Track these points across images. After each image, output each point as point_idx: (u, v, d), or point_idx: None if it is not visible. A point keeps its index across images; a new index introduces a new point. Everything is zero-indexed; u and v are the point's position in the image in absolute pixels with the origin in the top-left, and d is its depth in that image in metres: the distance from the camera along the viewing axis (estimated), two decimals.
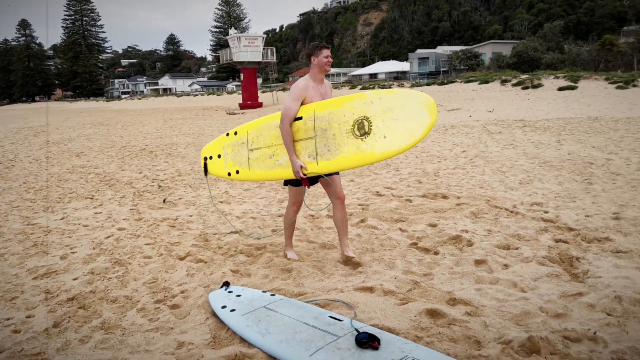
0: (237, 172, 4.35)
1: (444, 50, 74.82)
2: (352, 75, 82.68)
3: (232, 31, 40.67)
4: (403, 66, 79.27)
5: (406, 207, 6.16)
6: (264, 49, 37.78)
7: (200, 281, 3.98)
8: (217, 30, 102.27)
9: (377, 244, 4.76)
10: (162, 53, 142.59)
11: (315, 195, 6.98)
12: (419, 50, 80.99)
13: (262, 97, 41.00)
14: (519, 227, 5.06)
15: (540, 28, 64.53)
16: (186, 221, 5.94)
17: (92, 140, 17.50)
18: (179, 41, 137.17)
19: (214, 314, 3.31)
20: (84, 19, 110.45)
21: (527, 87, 30.09)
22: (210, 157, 4.52)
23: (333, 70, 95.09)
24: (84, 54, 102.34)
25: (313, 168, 3.97)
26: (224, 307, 3.27)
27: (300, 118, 4.03)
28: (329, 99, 4.05)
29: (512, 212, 5.64)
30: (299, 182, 4.13)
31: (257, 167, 4.24)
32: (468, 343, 2.86)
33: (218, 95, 64.80)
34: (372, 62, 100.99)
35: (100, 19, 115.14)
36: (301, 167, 3.94)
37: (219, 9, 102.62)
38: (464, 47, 67.20)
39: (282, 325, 2.98)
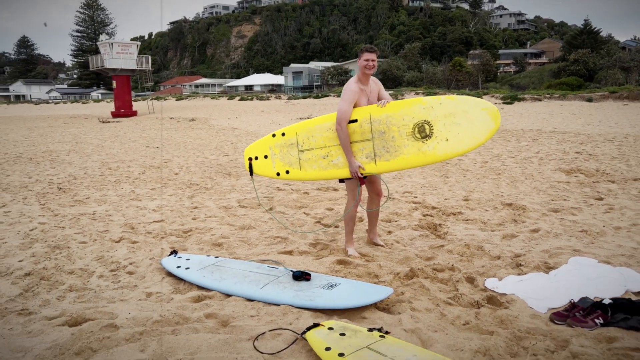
0: (287, 172, 4.48)
1: (316, 65, 78.43)
2: (228, 86, 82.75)
3: (103, 37, 39.02)
4: (278, 79, 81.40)
5: (305, 197, 7.21)
6: (138, 56, 36.83)
7: (144, 255, 4.62)
8: (80, 34, 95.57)
9: (288, 224, 5.73)
10: (13, 57, 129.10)
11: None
12: (293, 65, 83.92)
13: (136, 105, 39.74)
14: (396, 207, 6.39)
15: (402, 48, 70.76)
16: (105, 215, 6.36)
17: None
18: (32, 44, 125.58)
19: (170, 274, 4.03)
20: None
21: None
22: (256, 158, 4.59)
23: (207, 80, 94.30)
24: None
25: (371, 168, 4.24)
26: (178, 267, 4.01)
27: (355, 121, 4.26)
28: (389, 104, 4.26)
29: (390, 198, 6.98)
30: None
31: (310, 167, 4.41)
32: (370, 276, 3.96)
33: (83, 103, 60.93)
34: (247, 74, 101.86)
35: None
36: (359, 166, 4.23)
37: (81, 13, 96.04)
38: (334, 64, 71.20)
39: (232, 274, 3.82)
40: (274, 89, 74.68)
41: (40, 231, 5.55)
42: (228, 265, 4.02)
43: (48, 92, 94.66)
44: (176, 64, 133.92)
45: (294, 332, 2.96)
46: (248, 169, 4.68)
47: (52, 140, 18.30)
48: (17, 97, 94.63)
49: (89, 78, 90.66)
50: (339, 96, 39.77)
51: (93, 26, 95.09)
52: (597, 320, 2.99)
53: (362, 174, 4.26)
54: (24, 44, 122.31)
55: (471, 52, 67.79)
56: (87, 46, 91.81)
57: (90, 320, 3.17)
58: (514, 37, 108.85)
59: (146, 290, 3.75)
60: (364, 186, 4.50)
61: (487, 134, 4.01)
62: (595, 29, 56.11)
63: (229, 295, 3.60)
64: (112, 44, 35.04)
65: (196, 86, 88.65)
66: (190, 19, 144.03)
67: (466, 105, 4.09)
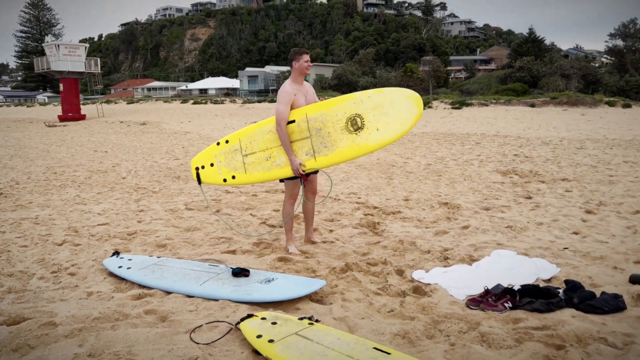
0: (233, 177, 4.66)
1: (272, 69, 78.39)
2: (181, 90, 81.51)
3: (49, 38, 37.75)
4: (233, 83, 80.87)
5: (253, 200, 7.37)
6: (86, 59, 35.85)
7: (86, 257, 4.66)
8: (24, 35, 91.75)
9: (234, 225, 5.87)
10: None
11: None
12: (248, 69, 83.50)
13: (85, 109, 38.62)
14: (340, 208, 6.64)
15: (356, 54, 71.76)
16: (48, 219, 6.31)
17: None
18: None
19: (112, 274, 4.11)
20: None
21: None
22: (203, 167, 4.77)
23: (161, 84, 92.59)
24: None
25: (311, 164, 4.44)
26: (120, 267, 4.09)
27: (293, 121, 4.46)
28: (320, 102, 4.54)
29: (335, 199, 7.23)
30: (294, 177, 4.53)
31: (254, 170, 4.60)
32: (307, 271, 4.17)
33: (29, 106, 58.52)
34: (202, 77, 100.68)
35: None
36: (300, 164, 4.41)
37: (25, 12, 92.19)
38: (290, 68, 71.43)
39: (173, 272, 3.94)
40: (229, 93, 74.17)
41: None
42: (169, 264, 4.13)
43: None
44: (127, 66, 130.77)
45: (229, 323, 3.12)
46: (196, 179, 4.84)
47: None
48: None
49: (34, 80, 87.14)
50: None
51: (39, 27, 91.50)
52: (506, 304, 3.31)
53: (303, 171, 4.46)
54: None
55: (423, 58, 69.52)
56: (32, 47, 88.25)
57: (29, 319, 3.22)
58: (465, 44, 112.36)
59: (87, 290, 3.82)
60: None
61: (413, 119, 4.30)
62: (539, 38, 58.74)
63: (169, 293, 3.72)
64: (58, 45, 33.96)
65: (148, 89, 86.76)
66: (142, 21, 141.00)
67: (392, 95, 4.37)
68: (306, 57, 4.55)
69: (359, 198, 7.27)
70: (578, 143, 13.80)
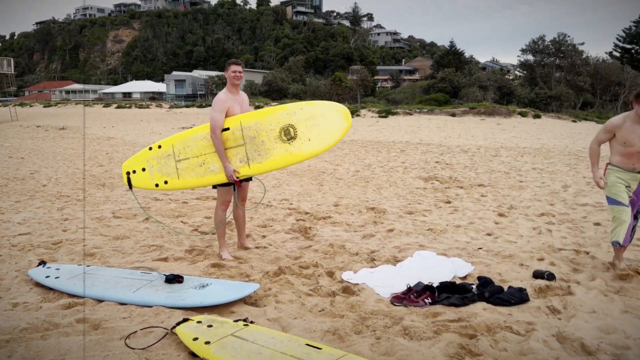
0: (166, 182, 4.71)
1: (200, 74, 76.97)
2: (104, 93, 78.04)
3: None
4: (159, 87, 78.57)
5: (183, 207, 7.33)
6: None
7: (8, 268, 4.48)
8: None
9: (165, 232, 5.85)
10: None
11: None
12: (175, 72, 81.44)
13: None
14: (273, 214, 6.78)
15: (286, 61, 72.14)
16: None
17: None
18: None
19: (38, 284, 4.00)
20: None
21: None
22: (134, 172, 4.78)
23: (81, 86, 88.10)
24: None
25: (245, 171, 4.57)
26: (47, 276, 4.00)
27: (228, 129, 4.56)
28: (253, 112, 4.70)
29: (267, 205, 7.36)
30: (227, 183, 4.64)
31: (187, 175, 4.67)
32: (241, 276, 4.29)
33: None
34: (125, 80, 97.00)
35: None
36: (234, 171, 4.52)
37: None
38: (219, 73, 70.50)
39: (105, 280, 3.91)
40: (155, 97, 72.01)
41: None
42: (100, 272, 4.09)
43: None
44: (44, 67, 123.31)
45: (164, 328, 3.18)
46: (127, 183, 4.83)
47: None
48: None
49: None
50: None
51: None
52: (426, 300, 3.61)
53: (237, 178, 4.58)
54: None
55: (352, 67, 71.16)
56: None
57: None
58: (391, 54, 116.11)
59: (12, 301, 3.71)
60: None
61: (342, 132, 4.55)
62: (460, 50, 62.03)
63: (101, 301, 3.70)
64: None
65: (67, 92, 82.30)
66: (61, 20, 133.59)
67: (323, 108, 4.61)
68: (234, 68, 4.66)
69: (291, 204, 7.44)
70: (493, 151, 14.82)
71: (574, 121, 30.24)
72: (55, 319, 3.36)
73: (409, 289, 3.75)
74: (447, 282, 3.87)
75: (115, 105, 45.57)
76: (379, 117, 31.08)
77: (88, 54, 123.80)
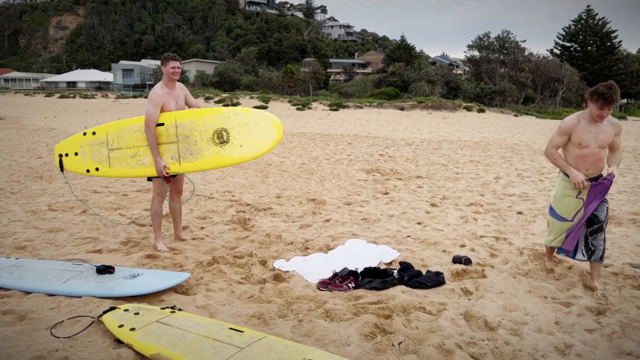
0: (97, 169, 4.72)
1: (149, 63, 74.97)
2: (46, 82, 74.75)
3: None
4: (106, 76, 76.04)
5: (123, 199, 7.27)
6: None
7: None
8: None
9: (101, 225, 5.82)
10: None
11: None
12: (122, 62, 79.08)
13: None
14: (214, 205, 6.85)
15: (239, 52, 71.28)
16: None
17: None
18: None
19: None
20: None
21: (227, 105, 33.61)
22: (66, 155, 4.76)
23: (22, 74, 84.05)
24: None
25: (176, 168, 4.63)
26: None
27: (162, 124, 4.58)
28: (189, 111, 4.71)
29: (208, 197, 7.42)
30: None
31: (119, 165, 4.68)
32: (175, 267, 4.37)
33: None
34: (70, 69, 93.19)
35: None
36: (164, 166, 4.57)
37: None
38: None
39: (33, 272, 3.91)
40: (102, 87, 69.69)
41: None
42: (29, 265, 4.07)
43: None
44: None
45: (91, 317, 3.24)
46: (58, 165, 4.85)
47: None
48: None
49: None
50: None
51: None
52: (350, 285, 3.82)
53: (167, 173, 4.64)
54: None
55: (305, 59, 71.27)
56: None
57: None
58: (344, 47, 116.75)
59: None
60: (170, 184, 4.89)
61: (272, 143, 4.64)
62: (410, 45, 63.22)
63: (29, 293, 3.70)
64: None
65: (6, 80, 78.26)
66: None
67: (258, 117, 4.69)
68: (173, 64, 4.66)
69: (233, 196, 7.53)
70: (436, 144, 15.35)
71: (516, 115, 31.60)
72: None
73: (335, 275, 3.95)
74: (370, 267, 4.09)
75: (59, 95, 43.84)
76: (330, 110, 31.38)
77: (29, 40, 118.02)
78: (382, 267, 4.36)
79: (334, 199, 7.35)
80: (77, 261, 4.37)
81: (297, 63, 66.87)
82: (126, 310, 3.21)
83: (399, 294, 3.73)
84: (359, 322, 3.25)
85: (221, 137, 4.63)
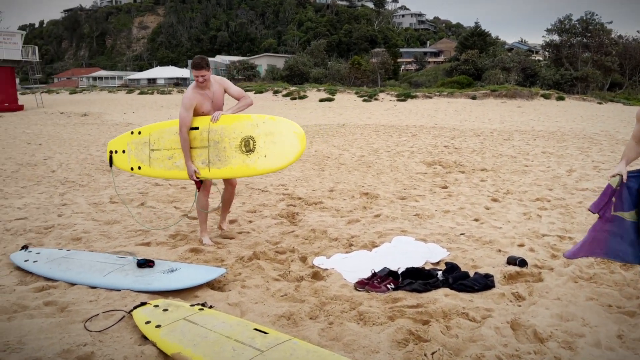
0: (139, 167, 4.85)
1: (222, 59, 77.23)
2: (129, 79, 79.15)
3: None
4: (183, 72, 79.19)
5: (181, 192, 7.44)
6: (23, 46, 34.31)
7: None
8: None
9: (154, 217, 5.96)
10: None
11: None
12: None
13: (23, 99, 37.04)
14: (265, 199, 6.83)
15: (309, 45, 71.73)
16: None
17: None
18: None
19: (18, 268, 4.15)
20: None
21: (295, 98, 33.90)
22: (116, 152, 4.96)
23: (107, 73, 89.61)
24: None
25: (205, 174, 4.62)
26: (26, 260, 4.14)
27: (197, 128, 4.60)
28: (223, 116, 4.59)
29: (262, 190, 7.42)
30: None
31: (157, 166, 4.78)
32: (216, 261, 4.36)
33: None
34: (151, 66, 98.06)
35: None
36: (195, 171, 4.59)
37: None
38: (241, 58, 70.61)
39: (79, 264, 4.03)
40: (179, 83, 72.69)
41: None
42: (77, 257, 4.21)
43: None
44: (72, 54, 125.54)
45: (123, 311, 3.27)
46: (108, 161, 5.03)
47: None
48: None
49: None
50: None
51: None
52: (389, 286, 3.61)
53: (197, 178, 4.64)
54: None
55: (373, 50, 70.36)
56: None
57: None
58: (415, 36, 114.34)
59: None
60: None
61: (295, 155, 4.43)
62: (485, 31, 60.61)
63: (73, 284, 3.81)
64: None
65: (94, 79, 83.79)
66: (87, 8, 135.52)
67: (283, 126, 4.50)
68: (196, 73, 4.53)
69: (286, 189, 7.48)
70: (506, 135, 14.53)
71: (600, 103, 29.37)
72: (25, 301, 3.48)
73: (373, 275, 3.75)
74: (412, 267, 3.85)
75: (138, 91, 46.21)
76: (398, 100, 30.75)
77: (114, 40, 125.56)
78: (428, 267, 4.09)
79: (388, 193, 7.10)
80: (123, 254, 4.47)
81: (366, 54, 66.14)
82: (156, 306, 3.20)
83: (442, 297, 3.46)
84: (392, 327, 3.04)
85: (248, 146, 4.52)
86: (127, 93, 46.29)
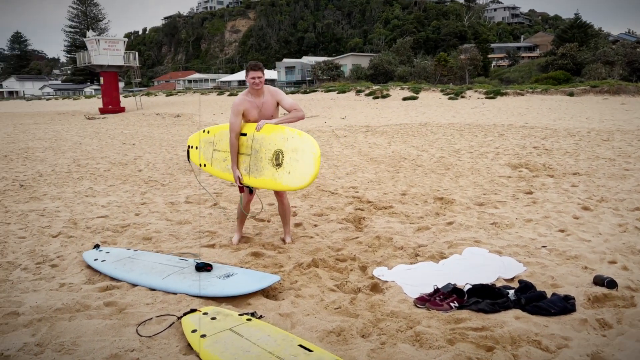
0: (204, 165, 5.05)
1: (309, 60, 78.44)
2: (221, 82, 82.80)
3: (90, 33, 39.11)
4: (271, 74, 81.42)
5: (257, 192, 7.49)
6: (125, 52, 36.96)
7: (73, 249, 4.90)
8: (73, 30, 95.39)
9: (223, 219, 6.02)
10: (6, 52, 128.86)
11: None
12: (285, 60, 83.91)
13: (125, 101, 39.94)
14: (334, 202, 6.68)
15: (395, 43, 70.77)
16: (54, 211, 6.64)
17: None
18: (26, 40, 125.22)
19: (88, 266, 4.32)
20: None
21: (377, 97, 33.50)
22: (192, 147, 5.25)
23: (201, 76, 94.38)
24: None
25: (246, 180, 4.65)
26: (96, 259, 4.30)
27: (245, 134, 4.62)
28: (267, 125, 4.50)
29: (332, 193, 7.27)
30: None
31: (217, 166, 4.93)
32: (275, 266, 4.27)
33: (75, 99, 60.88)
34: (241, 69, 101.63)
35: None
36: (238, 177, 4.63)
37: (73, 8, 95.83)
38: (327, 58, 71.26)
39: (142, 266, 4.11)
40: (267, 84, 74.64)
41: None
42: (142, 257, 4.31)
43: (41, 89, 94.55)
44: (170, 59, 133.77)
45: (176, 316, 3.25)
46: (187, 154, 5.35)
47: (33, 137, 18.51)
48: (11, 93, 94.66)
49: (82, 74, 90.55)
50: (327, 91, 39.97)
51: (86, 22, 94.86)
52: (452, 304, 3.29)
53: (241, 184, 4.68)
54: (18, 39, 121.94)
55: (462, 46, 67.87)
56: (80, 42, 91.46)
57: None
58: (508, 30, 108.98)
59: (61, 281, 4.04)
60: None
61: (309, 178, 4.20)
62: (586, 23, 56.31)
63: (135, 285, 3.89)
64: (98, 40, 35.15)
65: (190, 81, 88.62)
66: (185, 14, 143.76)
67: (305, 145, 4.29)
68: (253, 74, 4.50)
69: (357, 192, 7.27)
70: (606, 134, 13.25)
71: None
72: (88, 300, 3.59)
73: (436, 291, 3.45)
74: (480, 284, 3.49)
75: (228, 93, 48.11)
76: (486, 98, 29.32)
77: (208, 44, 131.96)
78: (500, 284, 3.71)
79: (465, 198, 6.66)
80: (187, 255, 4.52)
81: (454, 50, 63.98)
82: (205, 313, 3.15)
83: (511, 320, 3.10)
84: (451, 352, 2.75)
85: (278, 159, 4.41)
86: (217, 95, 48.37)
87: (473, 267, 4.00)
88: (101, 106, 36.15)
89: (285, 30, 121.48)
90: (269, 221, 5.86)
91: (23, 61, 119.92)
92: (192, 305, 3.47)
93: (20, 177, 9.53)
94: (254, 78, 4.52)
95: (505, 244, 4.67)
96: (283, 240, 5.05)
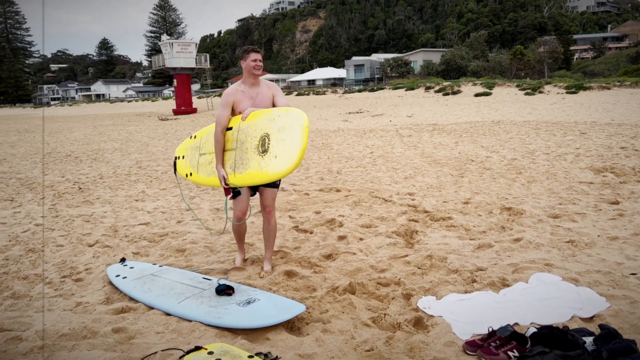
0: (190, 174, 4.40)
1: (378, 57, 77.35)
2: (291, 82, 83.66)
3: (164, 37, 40.64)
4: (340, 73, 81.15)
5: (302, 199, 7.06)
6: (197, 55, 38.03)
7: (103, 261, 4.67)
8: (153, 35, 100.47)
9: (255, 232, 5.60)
10: (95, 58, 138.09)
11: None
12: (354, 58, 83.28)
13: (197, 102, 41.17)
14: (386, 211, 6.08)
15: (468, 37, 68.11)
16: (100, 216, 6.55)
17: (16, 147, 17.35)
18: (112, 46, 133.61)
19: (111, 283, 4.04)
20: (8, 21, 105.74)
21: (447, 94, 32.14)
22: (179, 157, 4.66)
23: (273, 76, 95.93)
24: (8, 59, 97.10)
25: (232, 180, 3.93)
26: (117, 275, 4.01)
27: (231, 128, 3.98)
28: (253, 112, 3.92)
29: (386, 200, 6.67)
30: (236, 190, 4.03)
31: (203, 172, 4.24)
32: (307, 290, 3.77)
33: (153, 101, 63.86)
34: (311, 68, 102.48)
35: (25, 22, 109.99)
36: (223, 176, 3.94)
37: (154, 14, 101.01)
38: (396, 55, 69.86)
39: (162, 285, 3.77)
40: (336, 83, 74.59)
41: (31, 233, 5.79)
42: (164, 275, 3.97)
43: (124, 91, 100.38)
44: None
45: (183, 350, 2.85)
46: (173, 167, 4.75)
47: (107, 139, 19.26)
48: (98, 96, 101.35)
49: (162, 76, 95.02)
50: (394, 89, 38.95)
51: (165, 26, 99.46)
52: (510, 353, 2.64)
53: (227, 185, 3.97)
54: (105, 45, 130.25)
55: (542, 38, 64.00)
56: (159, 46, 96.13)
57: (5, 330, 3.23)
58: (593, 20, 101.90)
59: (79, 299, 3.78)
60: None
61: (297, 156, 3.52)
62: None
63: (151, 308, 3.54)
64: (172, 43, 36.41)
65: None
66: (257, 16, 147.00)
67: (292, 119, 3.65)
68: (254, 56, 3.97)
69: (413, 199, 6.63)
70: None
71: None
72: (98, 325, 3.28)
73: (491, 334, 2.80)
74: (548, 327, 2.80)
75: (296, 92, 48.31)
76: (567, 93, 27.21)
77: (280, 45, 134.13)
78: (576, 324, 2.99)
79: (536, 208, 5.83)
80: (213, 273, 4.14)
81: (532, 43, 60.47)
82: (210, 353, 2.71)
83: None
84: None
85: (264, 145, 3.72)
86: (286, 95, 48.81)
87: (541, 301, 3.29)
88: (175, 107, 37.43)
89: (355, 28, 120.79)
90: (311, 232, 5.38)
91: (109, 66, 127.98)
92: (206, 336, 3.06)
93: (82, 180, 9.70)
94: (255, 60, 3.97)
95: (583, 268, 3.89)
96: (262, 268, 4.28)
